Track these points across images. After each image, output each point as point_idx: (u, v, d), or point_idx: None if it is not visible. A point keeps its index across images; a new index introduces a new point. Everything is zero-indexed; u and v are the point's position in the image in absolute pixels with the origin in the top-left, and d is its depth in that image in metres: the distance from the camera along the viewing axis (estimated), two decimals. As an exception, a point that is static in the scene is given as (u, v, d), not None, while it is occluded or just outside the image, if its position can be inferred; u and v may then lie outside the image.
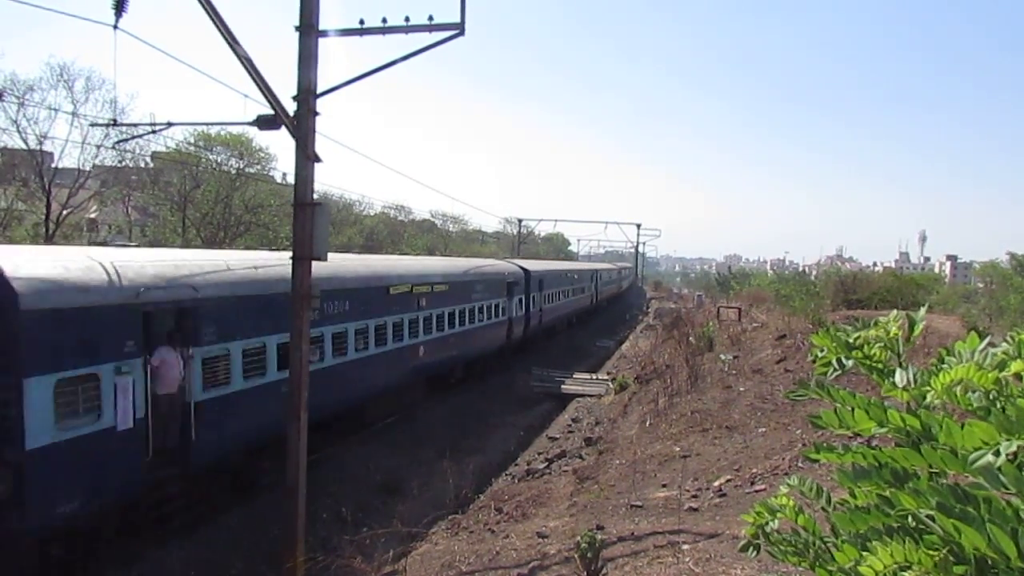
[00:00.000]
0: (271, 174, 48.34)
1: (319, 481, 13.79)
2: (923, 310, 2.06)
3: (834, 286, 38.17)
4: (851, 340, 1.88)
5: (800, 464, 10.07)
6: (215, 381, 12.36)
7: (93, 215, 44.80)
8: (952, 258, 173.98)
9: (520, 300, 31.67)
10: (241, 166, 43.65)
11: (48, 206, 33.16)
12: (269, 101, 9.26)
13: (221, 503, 13.12)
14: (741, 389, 17.56)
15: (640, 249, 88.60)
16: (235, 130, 39.82)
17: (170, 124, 14.65)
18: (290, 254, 9.92)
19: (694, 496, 10.18)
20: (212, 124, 35.87)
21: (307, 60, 9.37)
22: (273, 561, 10.28)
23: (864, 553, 1.50)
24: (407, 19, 9.59)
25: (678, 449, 13.60)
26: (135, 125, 18.18)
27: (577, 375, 29.36)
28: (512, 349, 31.81)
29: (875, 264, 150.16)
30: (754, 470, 10.78)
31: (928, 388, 1.68)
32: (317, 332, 14.54)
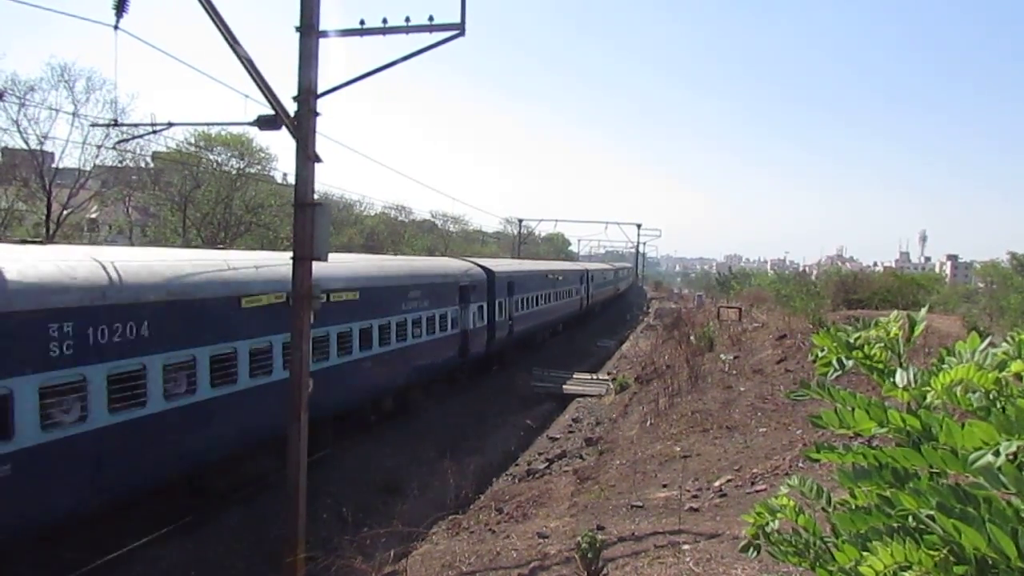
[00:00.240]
0: (271, 174, 48.39)
1: (319, 481, 13.80)
2: (924, 310, 2.06)
3: (834, 286, 38.16)
4: (851, 340, 1.88)
5: (801, 464, 10.08)
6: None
7: (94, 215, 44.83)
8: (953, 258, 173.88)
9: (480, 308, 26.08)
10: (242, 166, 43.67)
11: (49, 206, 33.18)
12: (269, 101, 9.26)
13: (221, 503, 13.12)
14: (741, 389, 17.56)
15: (640, 249, 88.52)
16: (236, 130, 39.87)
17: (170, 124, 14.64)
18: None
19: (695, 496, 10.18)
20: (212, 124, 35.80)
21: (307, 60, 9.36)
22: (273, 561, 10.27)
23: (864, 553, 1.50)
24: (407, 19, 9.59)
25: (679, 449, 13.60)
26: (136, 125, 18.17)
27: (577, 375, 29.37)
28: (470, 369, 26.68)
29: (876, 264, 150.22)
30: (755, 470, 10.78)
31: (928, 388, 1.68)
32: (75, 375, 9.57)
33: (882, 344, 1.87)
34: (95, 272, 10.11)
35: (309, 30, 9.34)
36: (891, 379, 1.79)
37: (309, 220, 9.60)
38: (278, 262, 14.58)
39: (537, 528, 10.26)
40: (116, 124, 18.95)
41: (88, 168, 35.67)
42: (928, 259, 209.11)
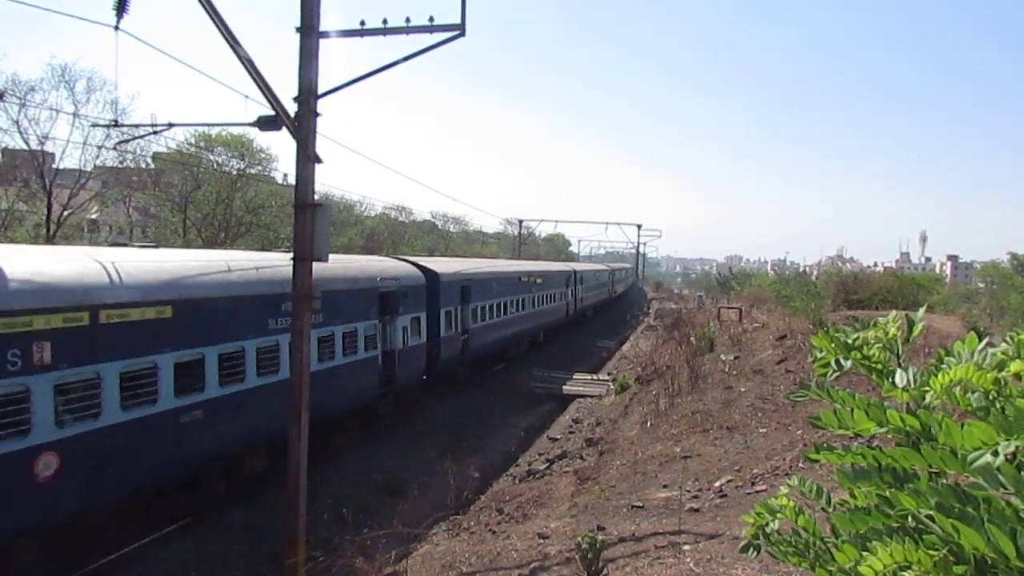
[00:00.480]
0: (272, 175, 48.36)
1: (319, 481, 13.80)
2: (922, 310, 2.06)
3: (835, 286, 38.17)
4: (850, 341, 1.89)
5: (801, 464, 10.08)
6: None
7: (94, 216, 44.83)
8: (953, 258, 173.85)
9: (416, 321, 20.51)
10: (242, 167, 43.66)
11: (49, 207, 33.17)
12: (270, 102, 9.27)
13: (222, 503, 13.12)
14: (742, 390, 17.56)
15: (641, 250, 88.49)
16: (236, 131, 39.85)
17: (171, 125, 14.67)
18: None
19: (695, 497, 10.18)
20: (213, 125, 35.82)
21: (308, 61, 9.37)
22: (274, 561, 10.28)
23: (864, 553, 1.50)
24: (408, 20, 9.60)
25: (679, 450, 13.60)
26: (136, 126, 18.19)
27: (578, 376, 29.36)
28: (408, 399, 20.64)
29: (876, 264, 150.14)
30: (755, 470, 10.78)
31: (928, 388, 1.68)
32: None
33: (880, 345, 1.88)
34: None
35: (309, 30, 9.35)
36: (890, 379, 1.79)
37: (309, 221, 9.61)
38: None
39: (537, 528, 10.26)
40: (116, 125, 18.99)
41: (89, 169, 35.67)
42: (928, 259, 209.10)
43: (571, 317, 45.74)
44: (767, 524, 2.01)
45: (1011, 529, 1.27)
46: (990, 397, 1.61)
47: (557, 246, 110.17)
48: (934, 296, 37.50)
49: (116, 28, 8.79)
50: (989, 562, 1.34)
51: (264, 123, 10.02)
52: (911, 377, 1.76)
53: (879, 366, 1.84)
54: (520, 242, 68.36)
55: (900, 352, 1.89)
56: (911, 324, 1.96)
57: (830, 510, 1.89)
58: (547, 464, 17.47)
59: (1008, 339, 1.70)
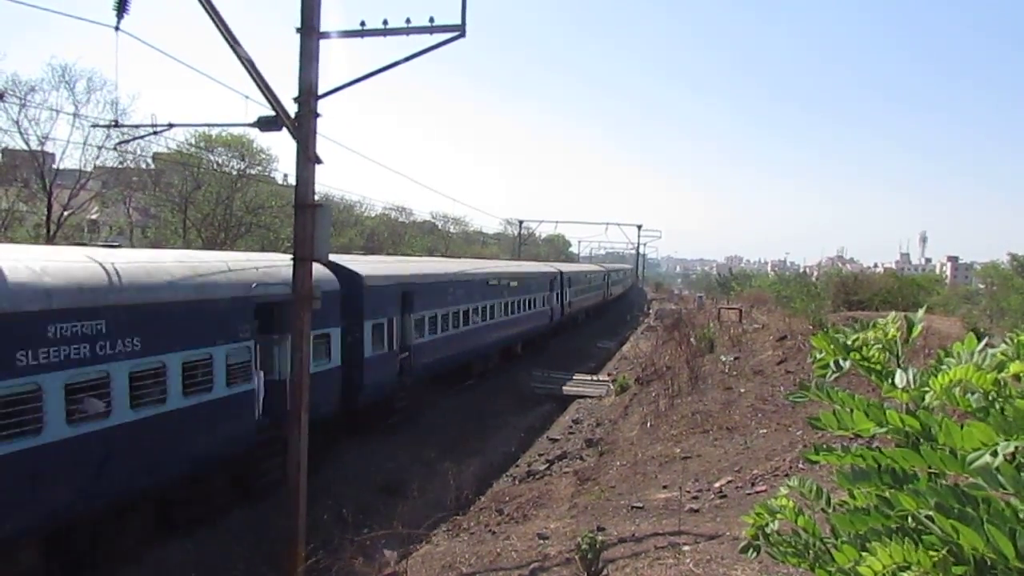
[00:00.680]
0: (272, 175, 48.39)
1: (320, 482, 13.80)
2: (921, 311, 2.07)
3: (835, 287, 38.18)
4: (849, 342, 1.89)
5: (801, 465, 10.08)
6: None
7: (94, 216, 44.84)
8: (953, 259, 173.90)
9: (324, 340, 15.48)
10: (242, 167, 43.67)
11: (49, 207, 33.18)
12: (270, 102, 9.28)
13: (222, 504, 13.12)
14: (742, 390, 17.56)
15: (641, 250, 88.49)
16: (236, 131, 39.88)
17: (171, 125, 14.67)
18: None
19: (695, 497, 10.19)
20: (213, 125, 35.84)
21: (308, 61, 9.38)
22: (274, 562, 10.28)
23: (863, 554, 1.50)
24: (408, 21, 9.60)
25: (679, 450, 13.60)
26: (136, 126, 18.20)
27: (578, 376, 29.36)
28: (321, 440, 14.50)
29: (876, 265, 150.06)
30: (755, 471, 10.78)
31: (927, 389, 1.68)
32: None
33: (880, 346, 1.88)
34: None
35: (310, 31, 9.35)
36: (889, 380, 1.79)
37: (310, 221, 9.61)
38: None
39: (537, 529, 10.26)
40: (117, 125, 19.00)
41: (89, 169, 35.68)
42: (928, 260, 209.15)
43: (557, 323, 41.13)
44: (767, 525, 2.01)
45: (1010, 529, 1.28)
46: (990, 398, 1.61)
47: (557, 247, 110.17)
48: (934, 297, 37.52)
49: (116, 28, 8.79)
50: (988, 563, 1.34)
51: (264, 123, 10.03)
52: (911, 378, 1.76)
53: (878, 367, 1.85)
54: (520, 243, 68.36)
55: (900, 353, 1.89)
56: (910, 325, 1.96)
57: (830, 511, 1.89)
58: (547, 465, 17.47)
59: (1008, 340, 1.70)
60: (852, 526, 1.60)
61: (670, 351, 27.07)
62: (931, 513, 1.42)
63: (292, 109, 9.47)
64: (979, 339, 1.74)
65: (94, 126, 31.66)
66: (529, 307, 34.08)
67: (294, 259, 9.77)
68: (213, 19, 8.58)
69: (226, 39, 8.78)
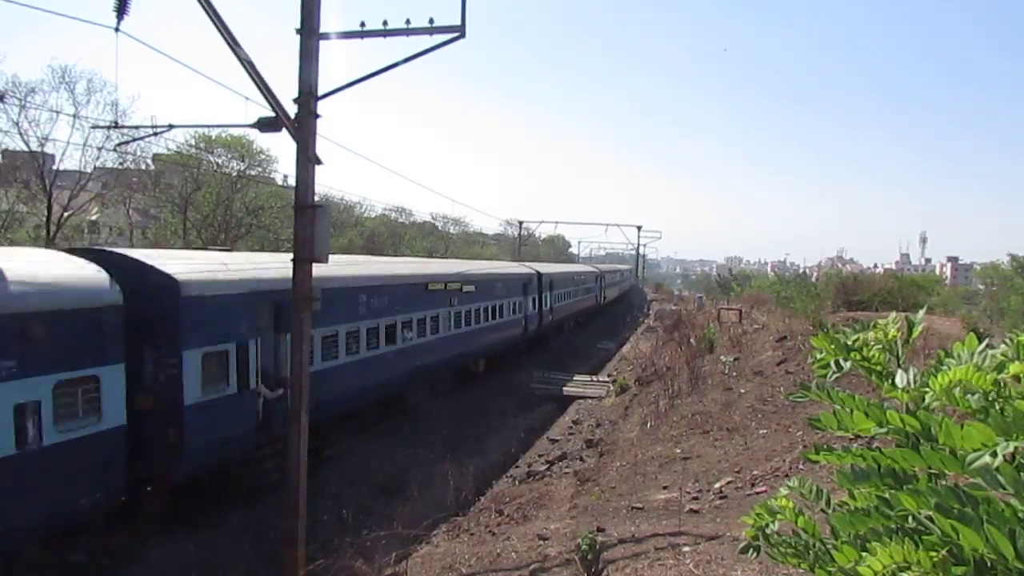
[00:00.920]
0: (272, 176, 48.45)
1: (320, 482, 13.81)
2: (922, 312, 2.07)
3: (835, 288, 38.12)
4: (850, 342, 1.89)
5: (801, 466, 10.08)
6: None
7: (94, 217, 44.88)
8: (953, 259, 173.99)
9: (89, 385, 10.17)
10: (242, 168, 43.69)
11: (49, 208, 33.19)
12: (270, 103, 9.28)
13: (222, 504, 13.12)
14: (742, 391, 17.56)
15: (641, 251, 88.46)
16: (236, 132, 39.95)
17: (171, 126, 14.68)
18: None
19: (695, 498, 10.19)
20: (213, 126, 36.05)
21: (308, 62, 9.38)
22: (274, 562, 10.28)
23: (863, 554, 1.50)
24: (408, 22, 9.61)
25: (679, 451, 13.60)
26: (136, 127, 18.22)
27: (578, 377, 29.37)
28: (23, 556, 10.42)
29: (876, 266, 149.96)
30: (755, 472, 10.78)
31: (927, 389, 1.69)
32: None
33: (880, 346, 1.88)
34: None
35: (310, 32, 9.36)
36: (890, 380, 1.79)
37: (310, 222, 9.62)
38: None
39: (537, 530, 10.26)
40: (117, 126, 19.02)
41: (89, 170, 35.71)
42: (928, 261, 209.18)
43: (534, 334, 35.20)
44: (767, 525, 2.02)
45: (1010, 530, 1.28)
46: (989, 398, 1.61)
47: (557, 247, 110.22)
48: (934, 298, 37.50)
49: (116, 30, 8.79)
50: (988, 563, 1.34)
51: (264, 124, 10.03)
52: (911, 378, 1.77)
53: (879, 367, 1.85)
54: (520, 243, 68.38)
55: (900, 353, 1.89)
56: (911, 325, 1.96)
57: (830, 511, 1.89)
58: (547, 465, 17.47)
59: (1007, 340, 1.71)
60: (852, 526, 1.61)
61: (670, 352, 27.07)
62: (931, 513, 1.42)
63: (292, 110, 9.48)
64: (980, 340, 1.74)
65: (94, 127, 31.69)
66: (493, 316, 28.23)
67: (294, 260, 9.78)
68: (213, 20, 8.59)
69: (226, 40, 8.79)
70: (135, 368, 11.00)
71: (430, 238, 73.14)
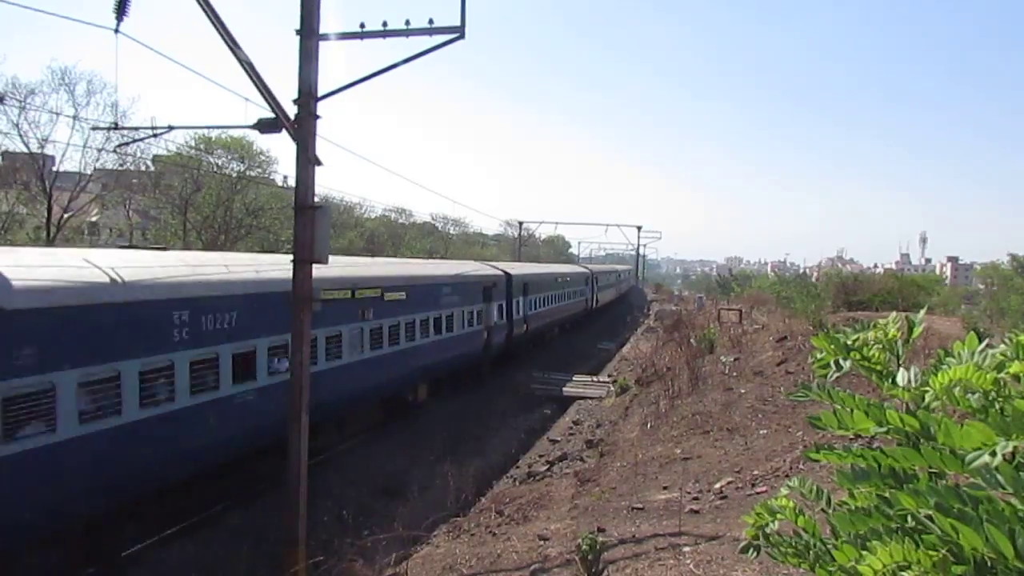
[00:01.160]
0: (272, 177, 48.47)
1: (320, 483, 13.81)
2: (922, 312, 2.07)
3: (835, 288, 38.12)
4: (850, 342, 1.89)
5: (801, 466, 10.07)
6: None
7: (94, 218, 44.90)
8: (953, 259, 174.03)
9: None
10: (242, 169, 43.72)
11: (49, 209, 33.23)
12: (270, 104, 9.29)
13: (222, 505, 13.12)
14: (742, 391, 17.55)
15: (641, 251, 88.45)
16: (236, 133, 39.99)
17: (171, 128, 14.64)
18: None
19: (695, 498, 10.18)
20: (213, 127, 35.93)
21: (308, 63, 9.39)
22: (274, 563, 10.28)
23: (863, 553, 1.50)
24: (407, 23, 9.62)
25: (679, 451, 13.59)
26: (136, 128, 18.17)
27: (578, 377, 29.36)
28: None
29: (876, 266, 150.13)
30: (755, 472, 10.78)
31: (927, 389, 1.69)
32: None
33: (880, 346, 1.88)
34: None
35: (309, 33, 9.36)
36: (890, 380, 1.79)
37: (309, 223, 9.62)
38: None
39: (538, 530, 10.25)
40: (116, 127, 19.01)
41: (89, 171, 35.78)
42: (929, 260, 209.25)
43: (499, 349, 29.33)
44: (767, 525, 2.01)
45: (1009, 529, 1.28)
46: (989, 398, 1.61)
47: (557, 248, 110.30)
48: (934, 297, 37.51)
49: (116, 31, 8.81)
50: (988, 562, 1.34)
51: (264, 125, 10.04)
52: (911, 377, 1.77)
53: (879, 367, 1.85)
54: (520, 244, 68.37)
55: (900, 353, 1.89)
56: (911, 325, 1.96)
57: (830, 511, 1.89)
58: (547, 466, 17.46)
59: (1007, 340, 1.71)
60: (852, 526, 1.61)
61: (670, 352, 27.06)
62: (931, 513, 1.42)
63: (292, 111, 9.48)
64: (980, 339, 1.74)
65: (94, 128, 31.74)
66: (436, 330, 22.34)
67: (294, 261, 9.78)
68: (213, 22, 8.59)
69: (226, 42, 8.79)
70: None
71: (430, 239, 73.17)
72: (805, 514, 1.94)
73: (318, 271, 10.19)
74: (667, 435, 15.38)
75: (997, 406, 1.53)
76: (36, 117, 31.53)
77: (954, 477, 1.49)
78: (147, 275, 11.19)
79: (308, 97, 9.43)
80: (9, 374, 8.71)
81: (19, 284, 8.98)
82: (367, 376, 17.77)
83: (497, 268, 31.30)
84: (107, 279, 10.25)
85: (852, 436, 1.81)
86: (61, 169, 35.63)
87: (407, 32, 9.62)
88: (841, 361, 1.88)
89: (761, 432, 13.39)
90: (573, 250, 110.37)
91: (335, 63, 10.47)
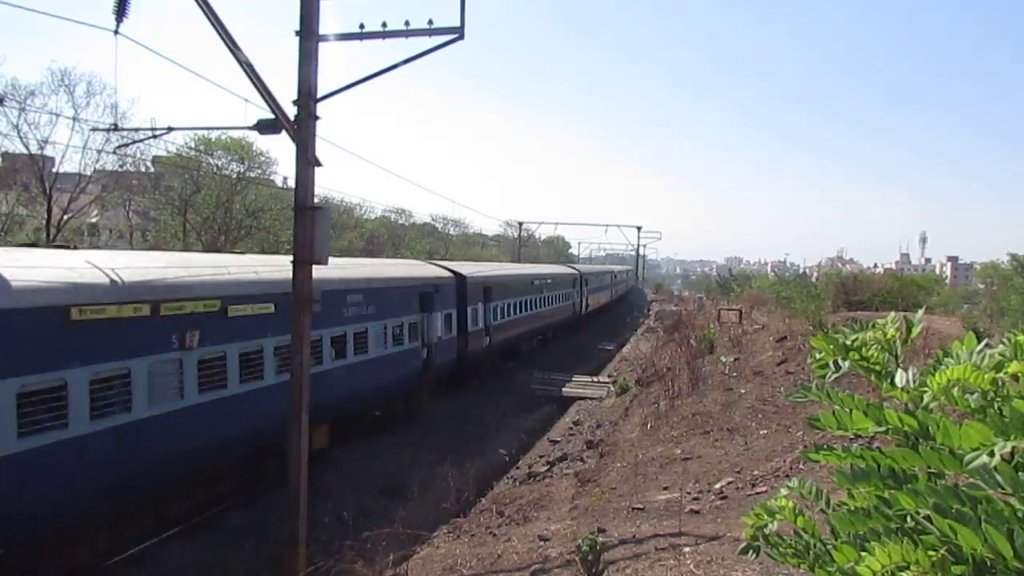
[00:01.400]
0: (272, 178, 48.53)
1: (320, 484, 13.80)
2: (920, 312, 2.07)
3: (835, 288, 38.11)
4: (848, 342, 1.89)
5: (802, 466, 10.07)
6: None
7: (94, 220, 44.89)
8: (953, 259, 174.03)
9: None
10: (242, 170, 43.73)
11: (49, 211, 33.24)
12: (270, 105, 9.29)
13: (223, 506, 13.12)
14: (742, 391, 17.55)
15: (641, 252, 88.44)
16: (236, 134, 39.98)
17: (171, 129, 14.65)
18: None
19: (695, 499, 10.18)
20: (213, 128, 36.00)
21: (307, 64, 9.40)
22: (275, 563, 10.28)
23: (863, 554, 1.50)
24: (407, 23, 9.62)
25: (679, 451, 13.59)
26: (136, 130, 18.19)
27: (578, 378, 29.35)
28: None
29: (876, 265, 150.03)
30: (755, 472, 10.78)
31: (926, 389, 1.69)
32: None
33: (879, 346, 1.88)
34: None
35: (309, 34, 9.37)
36: (888, 380, 1.79)
37: (309, 224, 9.63)
38: None
39: (538, 531, 10.25)
40: (116, 128, 18.99)
41: (88, 172, 35.79)
42: (928, 260, 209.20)
43: (448, 370, 23.99)
44: (766, 525, 2.02)
45: (1008, 529, 1.28)
46: (988, 398, 1.61)
47: (557, 248, 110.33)
48: (934, 297, 37.52)
49: (116, 32, 8.81)
50: (987, 562, 1.34)
51: (264, 126, 10.04)
52: (910, 378, 1.77)
53: (878, 367, 1.85)
54: (520, 244, 68.41)
55: (899, 353, 1.89)
56: (910, 325, 1.96)
57: (829, 511, 1.89)
58: (548, 466, 17.47)
59: (1006, 340, 1.71)
60: (851, 526, 1.61)
61: (670, 352, 27.05)
62: (930, 513, 1.42)
63: (291, 112, 9.49)
64: (978, 339, 1.74)
65: (94, 130, 31.75)
66: (339, 354, 16.56)
67: (294, 262, 9.78)
68: (213, 23, 8.60)
69: (226, 43, 8.80)
70: None
71: (430, 239, 73.22)
72: (804, 514, 1.94)
73: (75, 274, 9.76)
74: (667, 435, 15.38)
75: (996, 406, 1.53)
76: (36, 118, 31.59)
77: (953, 477, 1.49)
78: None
79: (307, 98, 9.43)
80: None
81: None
82: (189, 434, 11.76)
83: (446, 268, 25.40)
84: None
85: (852, 436, 1.81)
86: (61, 170, 35.67)
87: (407, 33, 9.63)
88: (840, 361, 1.88)
89: (761, 432, 13.39)
90: (573, 250, 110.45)
91: (335, 64, 10.49)
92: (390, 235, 66.54)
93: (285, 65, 10.27)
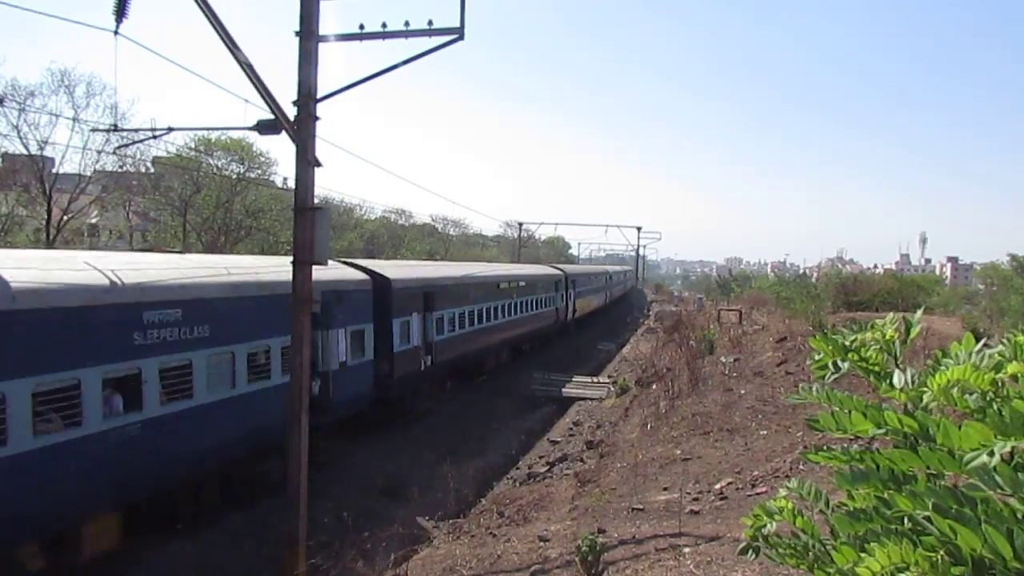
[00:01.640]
0: (272, 179, 48.48)
1: (320, 484, 13.79)
2: (919, 312, 2.07)
3: (835, 288, 38.10)
4: (848, 343, 1.89)
5: (801, 467, 10.08)
6: None
7: (94, 220, 44.88)
8: (953, 260, 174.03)
9: None
10: (242, 171, 43.73)
11: (49, 211, 33.22)
12: (269, 106, 9.29)
13: (223, 506, 13.11)
14: (742, 392, 17.55)
15: (641, 252, 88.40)
16: (236, 135, 39.98)
17: (171, 129, 14.63)
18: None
19: (695, 499, 10.18)
20: (213, 129, 36.06)
21: (307, 65, 9.39)
22: (275, 564, 10.27)
23: (862, 554, 1.50)
24: (407, 24, 9.61)
25: (679, 452, 13.59)
26: (136, 130, 18.16)
27: (578, 378, 29.35)
28: None
29: (876, 266, 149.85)
30: (755, 473, 10.78)
31: (925, 390, 1.69)
32: None
33: (878, 347, 1.88)
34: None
35: (308, 34, 9.37)
36: (887, 381, 1.79)
37: (309, 224, 9.62)
38: None
39: (538, 531, 10.25)
40: (116, 129, 18.94)
41: (88, 173, 35.79)
42: (928, 261, 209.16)
43: (365, 402, 18.06)
44: (765, 526, 2.01)
45: (1008, 530, 1.28)
46: (987, 398, 1.61)
47: (557, 249, 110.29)
48: (934, 298, 37.50)
49: (116, 33, 8.81)
50: (986, 563, 1.34)
51: (264, 127, 10.04)
52: (908, 378, 1.77)
53: (876, 368, 1.85)
54: (520, 245, 68.40)
55: (898, 354, 1.89)
56: (908, 326, 1.96)
57: (829, 512, 1.89)
58: (547, 467, 17.47)
59: (1005, 340, 1.71)
60: (851, 527, 1.61)
61: (670, 353, 27.04)
62: (929, 514, 1.42)
63: (291, 112, 9.48)
64: (977, 339, 1.74)
65: (93, 130, 31.67)
66: (182, 393, 11.77)
67: (294, 263, 9.77)
68: (213, 24, 8.60)
69: (226, 44, 8.80)
70: None
71: (430, 240, 73.23)
72: (804, 515, 1.94)
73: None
74: (667, 436, 15.38)
75: (995, 407, 1.53)
76: (36, 119, 31.58)
77: (952, 478, 1.49)
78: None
79: (307, 98, 9.43)
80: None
81: None
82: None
83: (360, 269, 19.35)
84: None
85: (851, 437, 1.81)
86: (61, 171, 35.65)
87: (406, 33, 9.63)
88: (839, 362, 1.88)
89: (761, 433, 13.39)
90: (573, 251, 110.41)
91: (334, 64, 10.46)
92: (390, 236, 66.57)
93: (285, 65, 10.28)
